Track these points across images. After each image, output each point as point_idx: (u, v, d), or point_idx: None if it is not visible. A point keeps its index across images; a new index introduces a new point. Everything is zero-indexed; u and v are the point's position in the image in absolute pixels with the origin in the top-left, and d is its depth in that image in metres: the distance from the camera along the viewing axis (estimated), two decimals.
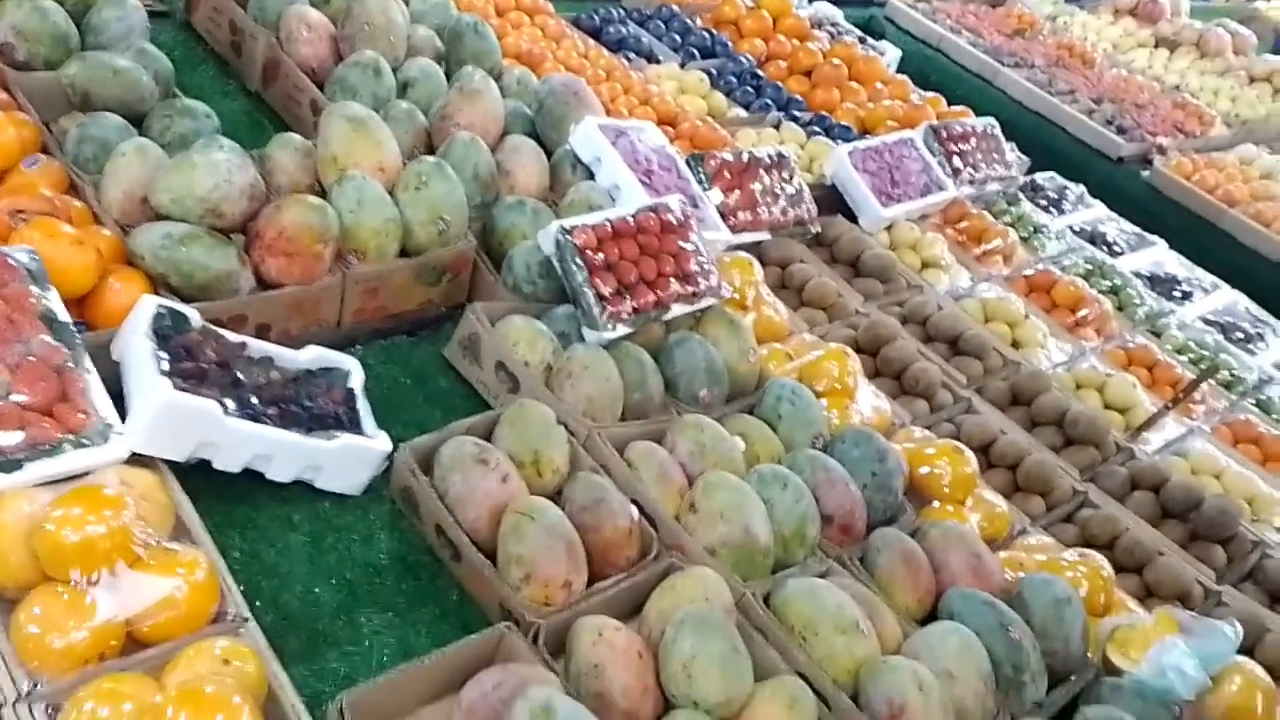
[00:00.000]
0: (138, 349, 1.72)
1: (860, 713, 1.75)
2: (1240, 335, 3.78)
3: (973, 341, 3.06)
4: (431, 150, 2.50)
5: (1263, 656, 2.28)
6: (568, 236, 2.22)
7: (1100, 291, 3.60)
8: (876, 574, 2.08)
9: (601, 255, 2.25)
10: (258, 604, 1.65)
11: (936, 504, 2.40)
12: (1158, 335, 3.57)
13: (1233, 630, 2.15)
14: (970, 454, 2.50)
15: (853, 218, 3.35)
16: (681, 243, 2.41)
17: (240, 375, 1.80)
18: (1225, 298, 4.05)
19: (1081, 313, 3.44)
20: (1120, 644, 2.13)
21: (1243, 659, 2.17)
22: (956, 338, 3.05)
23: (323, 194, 2.16)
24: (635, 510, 1.93)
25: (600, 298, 2.22)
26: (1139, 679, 2.02)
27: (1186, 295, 3.92)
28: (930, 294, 3.22)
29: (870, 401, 2.62)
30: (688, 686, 1.64)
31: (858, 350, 2.77)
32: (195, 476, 1.72)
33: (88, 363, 1.68)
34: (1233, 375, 3.51)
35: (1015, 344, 3.21)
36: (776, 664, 1.76)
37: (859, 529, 2.17)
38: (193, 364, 1.74)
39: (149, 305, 1.78)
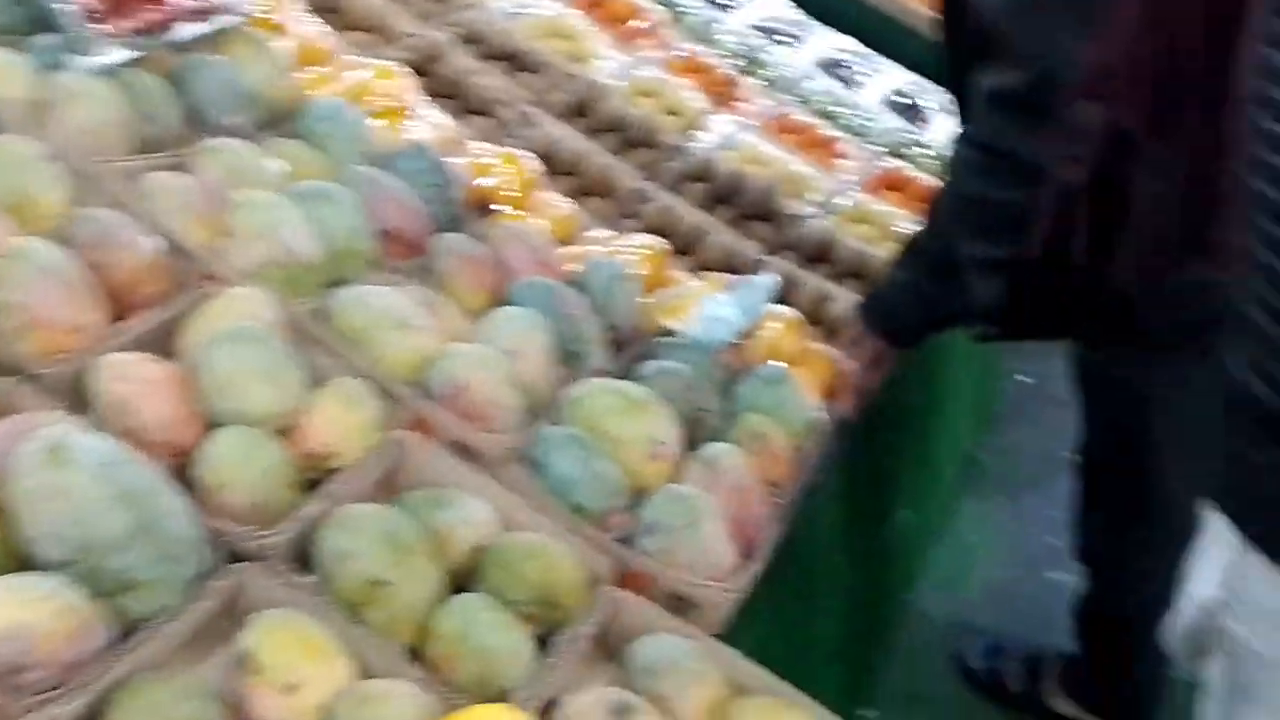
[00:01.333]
0: None
1: (425, 399, 1.78)
2: (783, 37, 4.03)
3: (531, 57, 3.04)
4: None
5: (796, 302, 2.59)
6: None
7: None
8: (439, 278, 2.07)
9: None
10: None
11: (499, 209, 2.43)
12: (709, 43, 3.73)
13: (770, 281, 2.41)
14: (531, 159, 2.53)
15: None
16: None
17: None
18: (770, 3, 4.27)
19: (637, 24, 3.51)
20: (672, 310, 2.31)
21: (781, 307, 2.46)
22: (514, 54, 3.02)
23: None
24: (160, 242, 1.77)
25: (88, 14, 1.94)
26: (687, 334, 2.21)
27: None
28: (486, 11, 3.14)
29: (429, 119, 2.55)
30: (232, 401, 1.57)
31: (417, 72, 2.67)
32: None
33: None
34: (777, 74, 3.78)
35: (575, 58, 3.23)
36: (334, 370, 1.73)
37: (422, 242, 2.14)
38: None
39: None
